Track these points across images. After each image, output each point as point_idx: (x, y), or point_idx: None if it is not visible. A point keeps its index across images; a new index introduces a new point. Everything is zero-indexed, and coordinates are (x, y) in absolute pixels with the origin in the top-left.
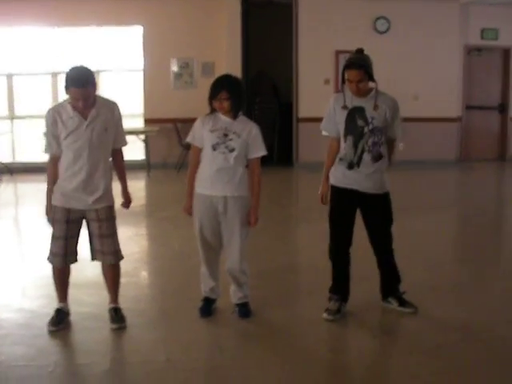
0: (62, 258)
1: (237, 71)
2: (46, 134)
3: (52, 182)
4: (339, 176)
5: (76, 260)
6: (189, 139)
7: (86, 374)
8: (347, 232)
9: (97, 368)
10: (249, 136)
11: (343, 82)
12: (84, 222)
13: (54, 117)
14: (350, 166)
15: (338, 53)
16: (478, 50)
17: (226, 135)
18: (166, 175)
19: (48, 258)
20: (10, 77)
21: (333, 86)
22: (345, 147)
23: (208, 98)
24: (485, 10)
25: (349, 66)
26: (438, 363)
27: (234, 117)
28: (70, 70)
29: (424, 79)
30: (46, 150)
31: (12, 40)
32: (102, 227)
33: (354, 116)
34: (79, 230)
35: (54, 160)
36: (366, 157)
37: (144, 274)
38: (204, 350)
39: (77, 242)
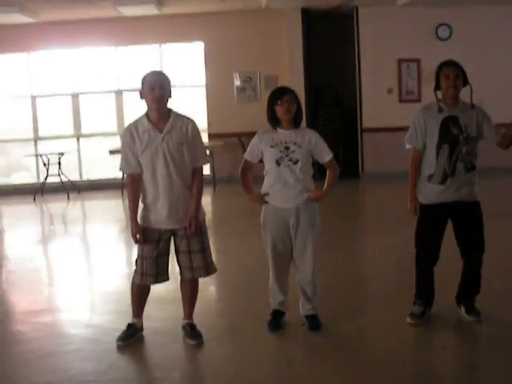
0: (154, 277)
1: (299, 83)
2: (123, 151)
3: (132, 200)
4: (430, 195)
5: (167, 279)
6: (246, 155)
7: None
8: (436, 249)
9: (166, 382)
10: (310, 144)
11: (436, 87)
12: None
13: (131, 132)
14: (444, 179)
15: (400, 61)
16: None
17: (287, 148)
18: (231, 190)
19: (135, 277)
20: (75, 96)
21: (396, 95)
22: (437, 159)
23: (268, 109)
24: None
25: (446, 63)
26: None
27: (296, 125)
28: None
29: (488, 85)
30: (122, 168)
31: (77, 60)
32: (190, 244)
33: (448, 125)
34: (168, 248)
35: (133, 177)
36: (460, 166)
37: (212, 288)
38: (273, 363)
39: (168, 261)
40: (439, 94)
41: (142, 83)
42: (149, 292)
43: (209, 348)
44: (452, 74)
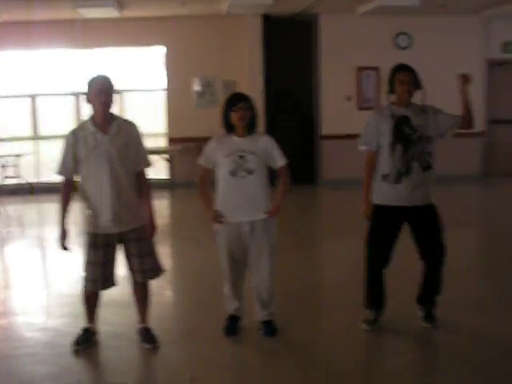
0: (102, 283)
1: (258, 89)
2: (64, 156)
3: (64, 206)
4: (385, 194)
5: (114, 284)
6: (201, 161)
7: None
8: (388, 252)
9: None
10: (266, 151)
11: (390, 91)
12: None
13: (76, 135)
14: (398, 178)
15: (359, 69)
16: (499, 64)
17: (241, 157)
18: (189, 194)
19: (84, 285)
20: (33, 97)
21: (355, 103)
22: (391, 158)
23: (223, 115)
24: (507, 23)
25: (401, 67)
26: (474, 379)
27: (251, 132)
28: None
29: (446, 94)
30: (60, 172)
31: (36, 61)
32: (140, 247)
33: (401, 125)
34: (115, 253)
35: (68, 184)
36: (415, 165)
37: (168, 292)
38: (228, 369)
39: (114, 265)
40: (392, 97)
41: (89, 87)
42: (100, 298)
43: (164, 352)
44: (407, 79)
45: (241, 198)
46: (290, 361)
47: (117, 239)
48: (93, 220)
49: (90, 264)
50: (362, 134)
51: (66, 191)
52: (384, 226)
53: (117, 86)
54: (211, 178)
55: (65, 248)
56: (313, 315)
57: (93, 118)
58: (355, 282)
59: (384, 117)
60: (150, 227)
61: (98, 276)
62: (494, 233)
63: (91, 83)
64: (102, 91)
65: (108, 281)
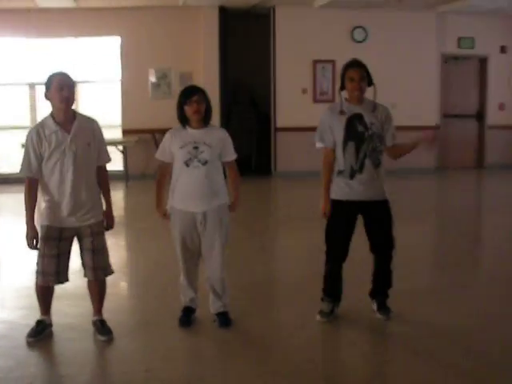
0: (55, 276)
1: (214, 81)
2: (26, 154)
3: (29, 205)
4: (340, 189)
5: (68, 279)
6: (158, 155)
7: None
8: (345, 246)
9: (76, 379)
10: (220, 143)
11: (342, 87)
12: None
13: (39, 133)
14: (352, 175)
15: (315, 62)
16: (454, 59)
17: (196, 148)
18: (144, 186)
19: (37, 277)
20: None
21: (311, 96)
22: (344, 156)
23: (178, 108)
24: (461, 18)
25: (351, 64)
26: (422, 368)
27: (205, 124)
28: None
29: (402, 88)
30: (24, 171)
31: None
32: (94, 242)
33: (354, 122)
34: (70, 247)
35: (32, 183)
36: (367, 162)
37: (123, 284)
38: (183, 359)
39: (68, 260)
40: (344, 93)
41: (48, 84)
42: (53, 291)
43: (120, 344)
44: (357, 77)
45: (194, 187)
46: (246, 352)
47: (73, 233)
48: (48, 213)
49: (43, 257)
50: (317, 131)
51: (31, 191)
52: (340, 220)
53: (75, 79)
54: (169, 173)
55: (34, 247)
56: (267, 307)
57: (53, 116)
58: (309, 274)
59: (337, 114)
60: (110, 219)
61: (51, 269)
62: (445, 225)
63: (50, 79)
64: (62, 87)
65: (61, 275)
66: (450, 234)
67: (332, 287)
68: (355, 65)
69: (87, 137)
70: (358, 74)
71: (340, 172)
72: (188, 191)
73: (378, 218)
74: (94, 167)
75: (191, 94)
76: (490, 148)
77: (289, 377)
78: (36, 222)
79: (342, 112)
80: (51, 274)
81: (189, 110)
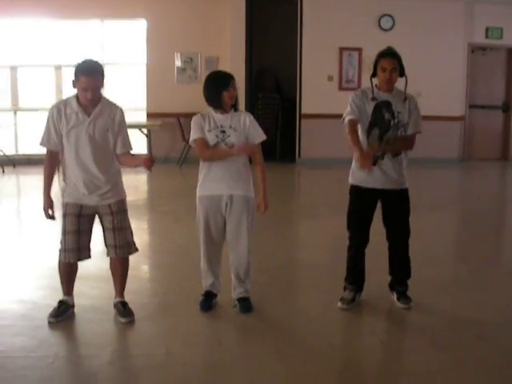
0: (76, 253)
1: (240, 66)
2: (47, 127)
3: (47, 175)
4: (360, 175)
5: (89, 256)
6: (193, 137)
7: (87, 365)
8: (366, 231)
9: (97, 360)
10: (245, 126)
11: (374, 74)
12: (97, 218)
13: (60, 110)
14: (374, 161)
15: (341, 50)
16: (482, 49)
17: (223, 132)
18: (168, 170)
19: (59, 254)
20: (14, 69)
21: (336, 83)
22: (368, 140)
23: (215, 93)
24: (489, 8)
25: (384, 54)
26: (441, 358)
27: (235, 109)
28: (81, 61)
29: (428, 77)
30: (43, 143)
31: (16, 32)
32: (114, 221)
33: (381, 109)
34: (91, 225)
35: (52, 155)
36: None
37: (145, 267)
38: (204, 344)
39: (89, 238)
40: (375, 80)
41: (76, 76)
42: (76, 270)
43: (140, 327)
44: (389, 67)
45: (222, 171)
46: (265, 338)
47: (93, 211)
48: (68, 190)
49: (64, 233)
50: (347, 108)
51: (49, 161)
52: (360, 206)
53: (103, 67)
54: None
55: (50, 217)
56: (289, 293)
57: (77, 97)
58: (332, 261)
59: (367, 98)
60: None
61: (72, 245)
62: (468, 216)
63: (78, 73)
64: (87, 88)
65: (81, 251)
66: (473, 224)
67: (354, 275)
68: (389, 55)
69: (107, 123)
70: (390, 64)
71: None
72: (216, 174)
73: (396, 205)
74: (110, 153)
75: (229, 81)
76: None
77: (308, 361)
78: (56, 197)
79: (373, 99)
80: (71, 250)
81: (227, 95)
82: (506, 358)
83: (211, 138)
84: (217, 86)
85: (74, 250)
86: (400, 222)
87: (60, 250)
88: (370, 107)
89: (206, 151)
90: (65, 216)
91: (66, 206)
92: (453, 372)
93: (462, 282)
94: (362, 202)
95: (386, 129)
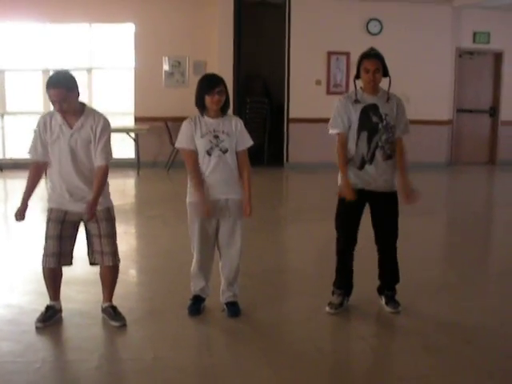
0: (56, 257)
1: (228, 70)
2: (35, 138)
3: (29, 186)
4: (350, 177)
5: (71, 263)
6: (179, 145)
7: (74, 370)
8: (355, 232)
9: (85, 365)
10: (236, 131)
11: (357, 76)
12: (82, 225)
13: (46, 122)
14: (362, 165)
15: (329, 54)
16: (469, 54)
17: (217, 137)
18: (155, 174)
19: (42, 259)
20: (1, 72)
21: (324, 87)
22: (356, 144)
23: (198, 97)
24: (477, 13)
25: (367, 55)
26: (430, 363)
27: (224, 114)
28: (52, 73)
29: (416, 82)
30: (30, 153)
31: (3, 35)
32: (100, 227)
33: (368, 113)
34: (75, 232)
35: (36, 165)
36: (378, 154)
37: (133, 272)
38: (192, 348)
39: (72, 244)
40: (359, 82)
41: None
42: (61, 275)
43: (128, 331)
44: (372, 68)
45: (217, 176)
46: (254, 342)
47: (77, 218)
48: (53, 196)
49: (47, 238)
50: (331, 118)
51: (32, 171)
52: (347, 208)
53: (87, 65)
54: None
55: (18, 219)
56: (276, 297)
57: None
58: (319, 266)
59: (352, 102)
60: (89, 208)
61: (52, 250)
62: (456, 220)
63: (47, 85)
64: (54, 101)
65: (62, 257)
66: (461, 228)
67: (343, 277)
68: (371, 56)
69: (87, 135)
70: (373, 65)
71: (349, 160)
72: (211, 180)
73: (384, 208)
74: (93, 164)
75: (215, 85)
76: (503, 144)
77: (296, 366)
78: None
79: (356, 101)
80: (52, 255)
81: (210, 100)
82: (495, 361)
83: (205, 144)
84: (200, 90)
85: (55, 254)
86: (388, 223)
87: (43, 255)
88: (355, 111)
89: (193, 170)
90: (48, 221)
91: (50, 211)
92: (442, 376)
93: (450, 285)
94: (350, 203)
95: (375, 132)
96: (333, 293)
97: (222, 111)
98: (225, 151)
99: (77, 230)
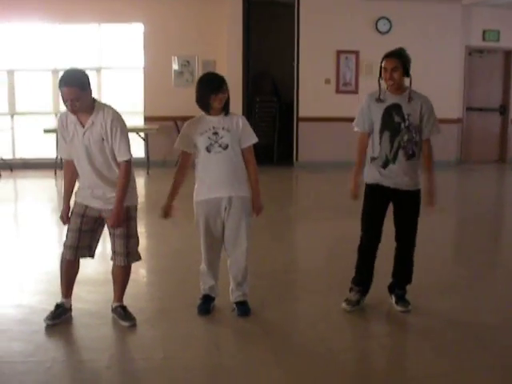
0: (73, 250)
1: (238, 70)
2: (59, 138)
3: (65, 182)
4: (373, 174)
5: (89, 255)
6: (178, 145)
7: (85, 370)
8: (379, 228)
9: (95, 364)
10: (238, 128)
11: (380, 75)
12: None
13: (62, 120)
14: (385, 164)
15: (339, 53)
16: (479, 52)
17: (216, 133)
18: (165, 173)
19: (62, 253)
20: (11, 73)
21: (334, 86)
22: (380, 144)
23: (203, 96)
24: (487, 11)
25: (387, 55)
26: (442, 362)
27: (227, 113)
28: (64, 71)
29: (425, 80)
30: (59, 152)
31: (13, 36)
32: (116, 228)
33: (391, 113)
34: (96, 227)
35: (67, 163)
36: (401, 153)
37: (142, 271)
38: (202, 348)
39: (92, 238)
40: (383, 83)
41: (59, 85)
42: (77, 271)
43: (138, 331)
44: (389, 67)
45: (218, 173)
46: (263, 341)
47: (96, 213)
48: (80, 191)
49: (68, 230)
50: (357, 115)
51: (65, 169)
52: (372, 204)
53: (96, 65)
54: (189, 166)
55: (64, 222)
56: (286, 297)
57: None
58: (330, 265)
59: (374, 101)
60: (115, 216)
61: (70, 242)
62: (466, 218)
63: (59, 83)
64: (66, 100)
65: (79, 250)
66: (471, 227)
67: (362, 274)
68: (390, 55)
69: (99, 133)
70: (390, 64)
71: (374, 159)
72: (212, 177)
73: (407, 206)
74: (110, 160)
75: (219, 86)
76: None
77: (306, 366)
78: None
79: (378, 100)
80: (69, 247)
81: (214, 100)
82: (506, 360)
83: (204, 141)
84: (205, 90)
85: (72, 247)
86: (409, 223)
87: (63, 247)
88: (378, 110)
89: (179, 177)
90: (71, 214)
91: (74, 204)
92: (453, 375)
93: (460, 284)
94: (375, 200)
95: (397, 132)
96: (350, 289)
97: (224, 110)
98: (225, 147)
99: (98, 226)
